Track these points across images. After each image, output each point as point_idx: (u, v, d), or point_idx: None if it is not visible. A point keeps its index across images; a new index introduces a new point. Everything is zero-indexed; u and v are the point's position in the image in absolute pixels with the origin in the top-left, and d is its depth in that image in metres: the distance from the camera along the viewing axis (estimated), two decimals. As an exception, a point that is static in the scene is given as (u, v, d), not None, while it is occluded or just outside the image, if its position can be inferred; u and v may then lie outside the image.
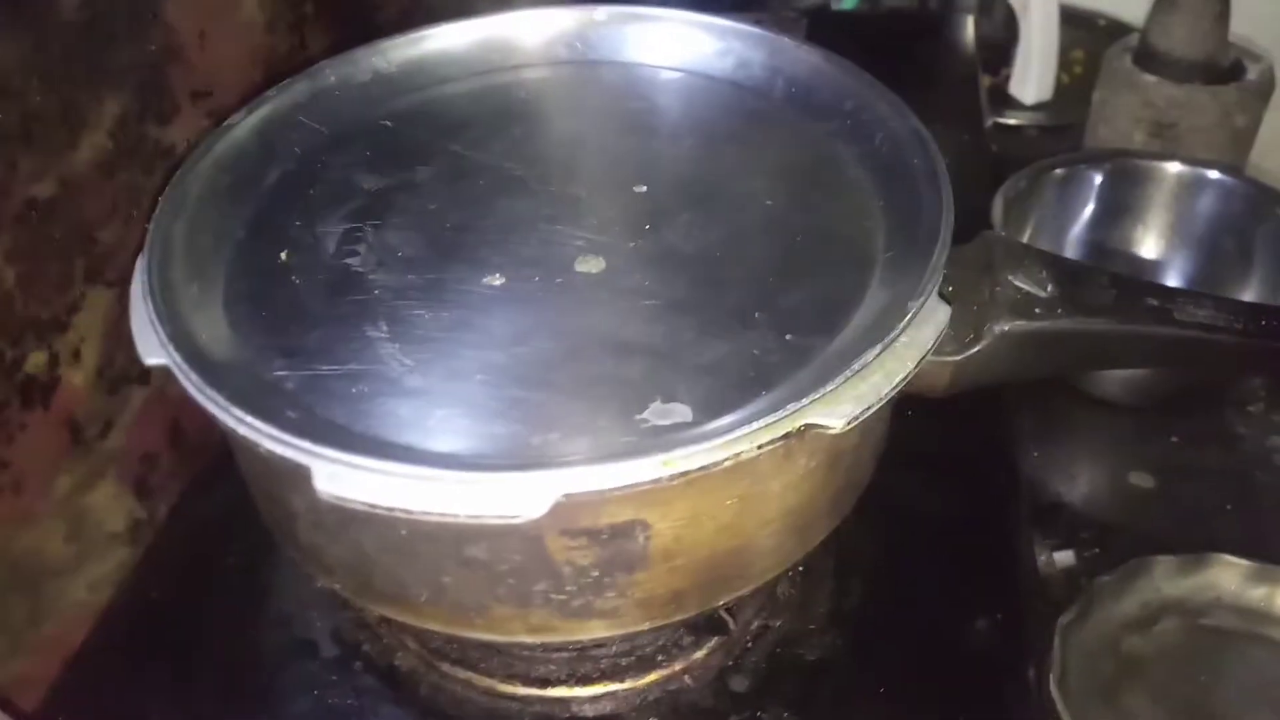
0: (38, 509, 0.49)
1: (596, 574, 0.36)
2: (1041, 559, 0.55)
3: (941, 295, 0.39)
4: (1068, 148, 0.80)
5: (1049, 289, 0.42)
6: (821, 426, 0.34)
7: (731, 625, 0.45)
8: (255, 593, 0.52)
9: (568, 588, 0.36)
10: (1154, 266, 0.70)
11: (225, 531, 0.53)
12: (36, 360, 0.48)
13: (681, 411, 0.36)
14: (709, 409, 0.36)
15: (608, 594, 0.37)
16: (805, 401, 0.33)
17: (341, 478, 0.32)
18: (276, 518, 0.41)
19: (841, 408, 0.34)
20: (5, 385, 0.46)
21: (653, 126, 0.51)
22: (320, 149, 0.49)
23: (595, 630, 0.38)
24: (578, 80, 0.54)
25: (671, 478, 0.32)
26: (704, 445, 0.33)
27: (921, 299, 0.37)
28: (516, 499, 0.32)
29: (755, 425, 0.33)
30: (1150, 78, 0.73)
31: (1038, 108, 0.92)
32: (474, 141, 0.50)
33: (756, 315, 0.40)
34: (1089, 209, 0.70)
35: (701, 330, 0.40)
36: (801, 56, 0.51)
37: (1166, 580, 0.53)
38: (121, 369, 0.53)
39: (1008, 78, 0.94)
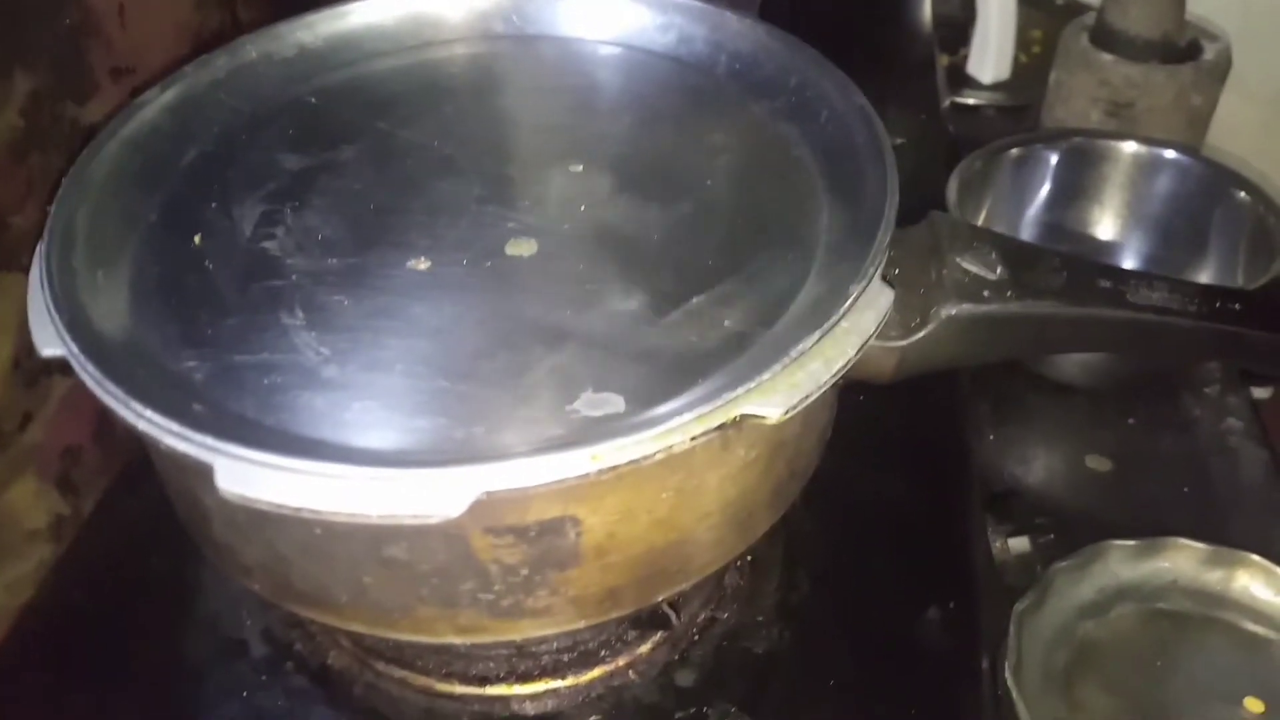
0: (-50, 508, 0.47)
1: (526, 572, 0.34)
2: (996, 545, 0.55)
3: (885, 279, 0.37)
4: (1026, 128, 0.79)
5: (998, 271, 0.40)
6: (758, 416, 0.32)
7: (674, 620, 0.43)
8: (183, 590, 0.49)
9: (496, 587, 0.35)
10: (1110, 247, 0.69)
11: (152, 527, 0.51)
12: (-56, 352, 0.45)
13: (614, 401, 0.34)
14: (642, 398, 0.34)
15: (539, 592, 0.35)
16: (740, 390, 0.32)
17: (246, 476, 0.30)
18: (190, 516, 0.39)
19: (778, 396, 0.32)
20: (-91, 379, 0.43)
21: (590, 103, 0.49)
22: (240, 128, 0.46)
23: (527, 630, 0.36)
24: (512, 55, 0.52)
25: (600, 472, 0.31)
26: (634, 437, 0.31)
27: (863, 283, 0.35)
28: (433, 497, 0.30)
29: (688, 416, 0.31)
30: (1107, 57, 0.72)
31: (996, 87, 0.91)
32: (402, 119, 0.47)
33: (694, 300, 0.38)
34: (1045, 189, 0.69)
35: (636, 316, 0.38)
36: (745, 31, 0.49)
37: (1123, 565, 0.53)
38: (40, 360, 0.50)
39: (966, 57, 0.92)
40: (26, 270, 0.49)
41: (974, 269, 0.40)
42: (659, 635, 0.44)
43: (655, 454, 0.31)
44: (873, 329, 0.35)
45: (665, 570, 0.37)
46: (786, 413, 0.32)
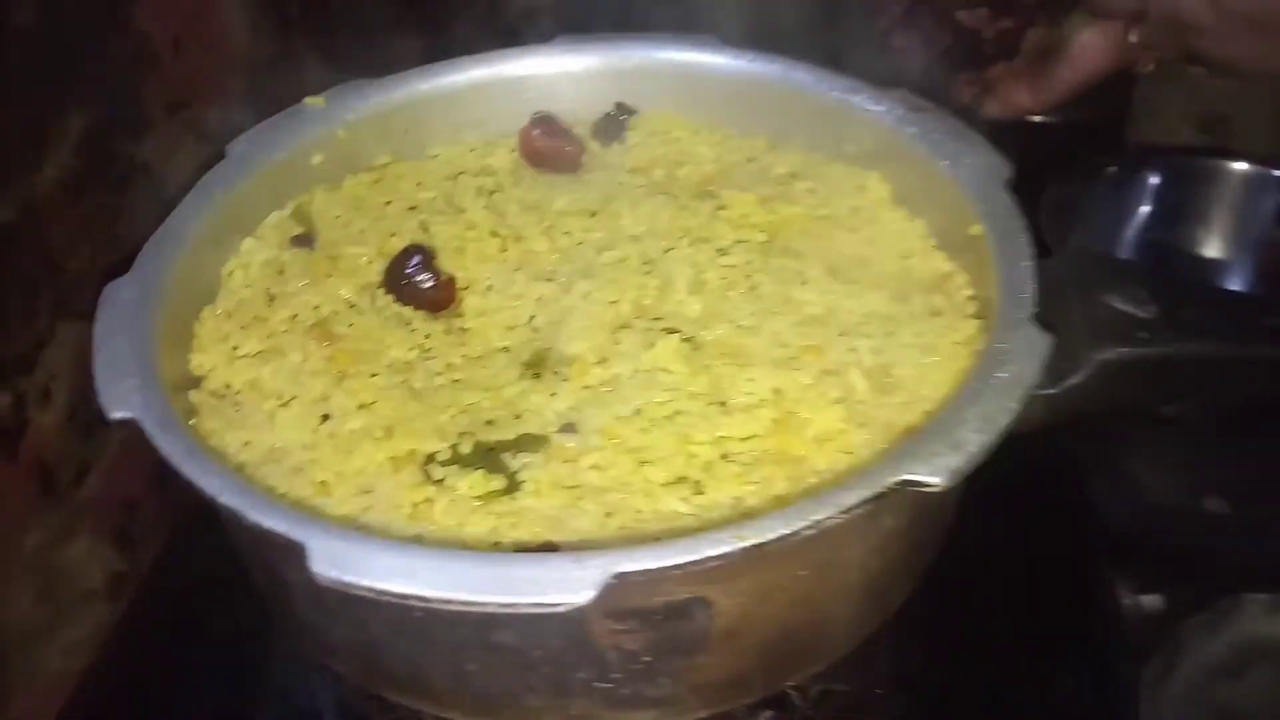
0: (4, 568, 0.43)
1: (648, 659, 0.31)
2: (1125, 602, 0.50)
3: (1038, 320, 0.33)
4: (1102, 145, 0.74)
5: (1151, 309, 0.36)
6: (921, 484, 0.28)
7: (796, 700, 0.39)
8: (250, 656, 0.47)
9: (614, 675, 0.31)
10: (1216, 271, 0.65)
11: (216, 585, 0.48)
12: (-1, 403, 0.42)
13: None
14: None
15: (660, 680, 0.31)
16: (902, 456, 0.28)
17: (344, 559, 0.27)
18: (269, 588, 0.35)
19: (941, 460, 0.28)
20: (-37, 434, 0.41)
21: None
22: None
23: (644, 720, 0.33)
24: None
25: (744, 551, 0.27)
26: (781, 514, 0.27)
27: (1016, 330, 0.31)
28: (558, 582, 0.26)
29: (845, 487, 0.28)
30: (1198, 69, 0.68)
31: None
32: None
33: None
34: (1144, 210, 0.65)
35: None
36: None
37: (1258, 621, 0.48)
38: (98, 409, 0.47)
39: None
40: (83, 317, 0.46)
41: (1124, 307, 0.36)
42: (771, 714, 0.40)
43: (804, 530, 0.28)
44: (1033, 380, 0.31)
45: (797, 652, 0.33)
46: (953, 478, 0.28)
